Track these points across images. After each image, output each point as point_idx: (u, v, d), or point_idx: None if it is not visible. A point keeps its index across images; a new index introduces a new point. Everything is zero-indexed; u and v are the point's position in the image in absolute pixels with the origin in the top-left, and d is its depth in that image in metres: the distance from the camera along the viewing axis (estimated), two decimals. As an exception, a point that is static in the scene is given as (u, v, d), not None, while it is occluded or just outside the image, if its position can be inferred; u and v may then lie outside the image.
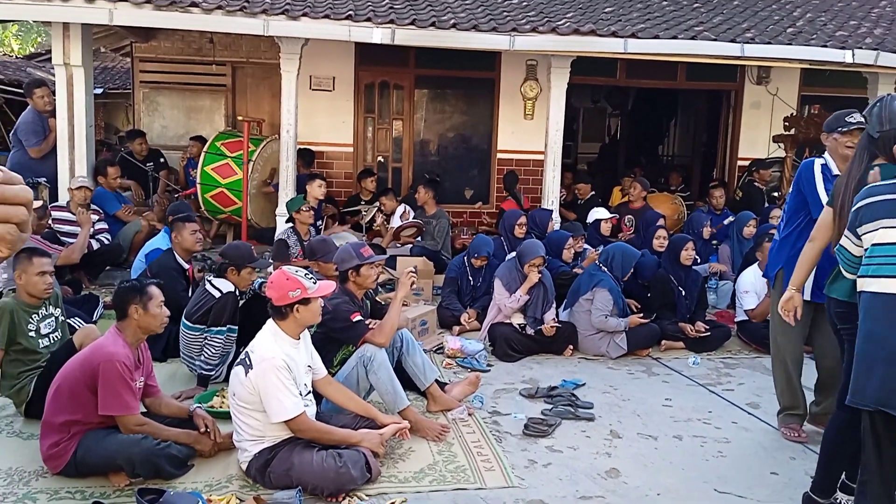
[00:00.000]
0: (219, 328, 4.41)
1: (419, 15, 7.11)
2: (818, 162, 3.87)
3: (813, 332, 4.03)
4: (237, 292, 4.51)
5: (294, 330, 3.36)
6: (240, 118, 8.06)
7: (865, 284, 2.60)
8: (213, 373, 4.44)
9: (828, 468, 3.19)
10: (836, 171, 3.75)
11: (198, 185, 7.96)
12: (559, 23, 7.20)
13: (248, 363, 3.25)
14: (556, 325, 5.34)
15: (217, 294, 4.41)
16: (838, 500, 3.19)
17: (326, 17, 6.80)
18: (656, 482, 3.49)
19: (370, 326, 3.97)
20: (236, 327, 4.51)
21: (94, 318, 5.30)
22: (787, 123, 9.29)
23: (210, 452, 3.48)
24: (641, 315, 5.44)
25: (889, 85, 7.84)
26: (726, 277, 7.03)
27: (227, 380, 4.39)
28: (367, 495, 3.21)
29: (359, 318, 3.95)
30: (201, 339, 4.42)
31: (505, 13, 7.60)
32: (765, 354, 5.55)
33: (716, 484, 3.49)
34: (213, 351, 4.40)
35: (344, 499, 3.15)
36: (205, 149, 8.10)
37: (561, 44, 7.02)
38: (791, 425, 4.06)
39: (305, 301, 3.31)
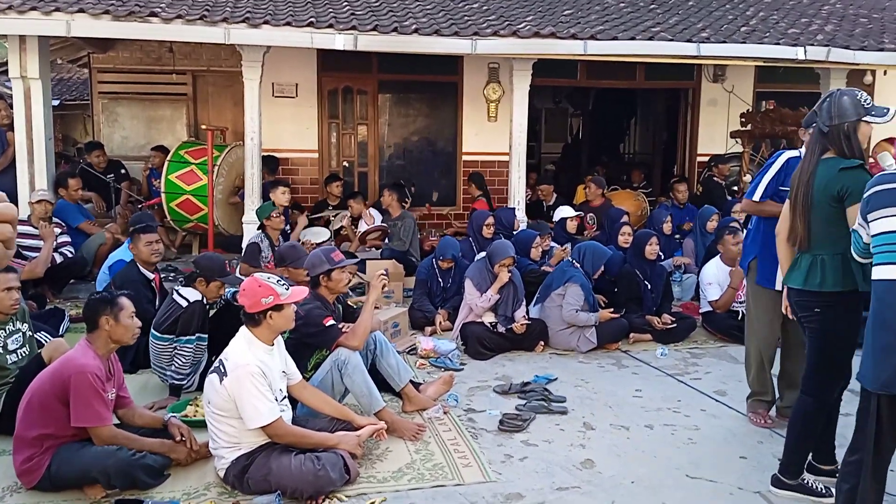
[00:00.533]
0: (188, 337, 4.38)
1: (381, 21, 7.15)
2: (786, 154, 3.93)
3: (784, 324, 4.08)
4: (205, 301, 4.48)
5: (268, 336, 3.37)
6: (203, 127, 8.03)
7: (876, 273, 2.60)
8: (184, 382, 4.41)
9: (795, 451, 3.30)
10: None
11: (162, 195, 7.89)
12: (519, 26, 7.30)
13: (223, 371, 3.25)
14: (527, 322, 5.41)
15: (184, 303, 4.38)
16: (805, 481, 3.30)
17: (288, 24, 6.80)
18: (630, 471, 3.57)
19: (343, 330, 3.99)
20: (206, 336, 4.49)
21: (60, 333, 5.22)
22: (743, 119, 9.53)
23: (186, 461, 3.47)
24: (612, 310, 5.54)
25: (841, 80, 8.10)
26: (690, 270, 7.18)
27: (199, 388, 4.39)
28: (346, 496, 3.23)
29: (331, 322, 3.97)
30: (171, 349, 4.39)
31: (466, 17, 7.67)
32: (729, 343, 5.72)
33: (688, 470, 3.59)
34: (184, 360, 4.37)
35: (323, 501, 3.16)
36: (168, 158, 8.04)
37: (522, 47, 7.12)
38: (759, 411, 4.16)
39: (279, 307, 3.32)
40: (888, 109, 3.14)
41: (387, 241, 7.56)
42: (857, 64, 7.80)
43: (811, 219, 3.15)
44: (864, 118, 3.10)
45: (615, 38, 7.22)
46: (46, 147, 7.11)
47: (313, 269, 4.14)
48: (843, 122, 3.10)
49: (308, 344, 3.99)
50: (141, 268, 5.08)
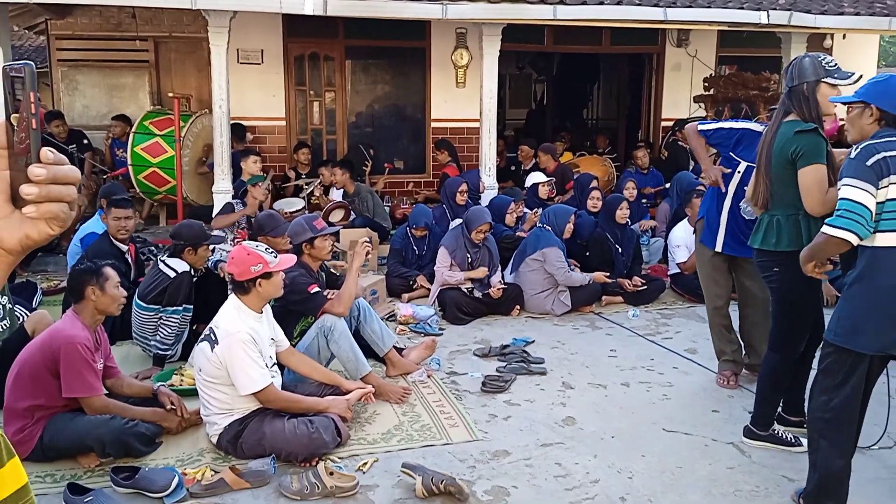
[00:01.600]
0: (174, 308, 4.39)
1: (350, -15, 7.06)
2: (746, 124, 4.10)
3: (737, 286, 4.28)
4: (192, 272, 4.49)
5: (257, 304, 3.41)
6: (170, 95, 7.87)
7: (878, 239, 2.58)
8: (169, 352, 4.43)
9: (764, 404, 3.47)
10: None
11: (129, 167, 7.76)
12: (489, -10, 7.27)
13: (214, 338, 3.28)
14: (503, 286, 5.52)
15: (172, 274, 4.38)
16: (776, 431, 3.48)
17: (256, -12, 6.69)
18: (609, 426, 3.72)
19: (328, 297, 4.04)
20: (192, 306, 4.50)
21: (33, 306, 5.18)
22: (706, 84, 9.68)
23: (177, 429, 3.52)
24: (607, 274, 5.73)
25: (801, 44, 8.27)
26: (658, 234, 7.36)
27: (182, 358, 4.43)
28: (339, 458, 3.32)
29: (316, 289, 4.02)
30: (156, 320, 4.40)
31: (435, -18, 7.61)
32: (697, 304, 5.87)
33: (664, 424, 3.75)
34: (169, 331, 4.39)
35: (317, 463, 3.24)
36: (133, 129, 7.90)
37: (492, 12, 7.12)
38: (724, 372, 4.28)
39: (267, 275, 3.36)
40: (852, 73, 3.24)
41: (352, 216, 7.56)
42: (818, 28, 7.97)
43: (771, 179, 3.27)
44: (823, 79, 3.19)
45: (584, 3, 7.26)
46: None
47: (296, 237, 4.17)
48: (803, 83, 3.21)
49: (293, 311, 4.04)
50: (113, 240, 5.02)
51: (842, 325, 2.67)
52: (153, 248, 6.46)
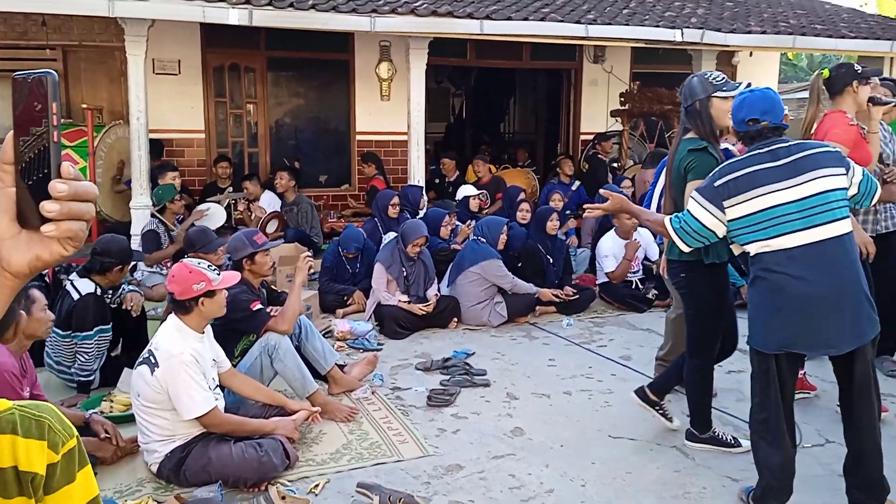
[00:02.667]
0: (85, 333, 4.15)
1: (274, -5, 6.95)
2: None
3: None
4: (99, 292, 4.25)
5: (198, 324, 3.28)
6: (83, 106, 7.49)
7: (768, 245, 2.70)
8: (91, 377, 4.20)
9: (698, 408, 3.59)
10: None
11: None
12: (417, 4, 7.31)
13: (154, 361, 3.13)
14: (436, 299, 5.52)
15: (76, 296, 4.15)
16: (715, 433, 3.60)
17: (176, -4, 6.48)
18: (557, 435, 3.76)
19: (271, 314, 3.92)
20: (108, 327, 4.27)
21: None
22: (622, 99, 10.01)
23: (113, 458, 3.33)
24: (554, 292, 5.84)
25: (711, 60, 8.69)
26: (584, 245, 7.55)
27: (103, 384, 4.20)
28: (288, 481, 3.22)
29: (259, 306, 3.90)
30: (73, 346, 4.15)
31: (361, -6, 7.59)
32: (626, 312, 6.08)
33: (609, 431, 3.82)
34: (87, 357, 4.14)
35: (267, 488, 3.13)
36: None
37: (421, 25, 7.14)
38: None
39: (210, 293, 3.23)
40: (739, 84, 3.39)
41: (287, 224, 7.41)
42: (728, 46, 8.39)
43: (673, 193, 3.44)
44: (713, 95, 3.36)
45: (510, 19, 7.39)
46: None
47: (236, 252, 4.04)
48: (695, 101, 3.38)
49: (235, 330, 3.90)
50: None
51: (750, 329, 2.81)
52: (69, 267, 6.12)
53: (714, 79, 3.38)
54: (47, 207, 0.80)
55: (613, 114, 10.39)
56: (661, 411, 3.78)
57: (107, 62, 8.81)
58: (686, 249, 2.91)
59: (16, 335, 3.17)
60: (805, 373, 4.12)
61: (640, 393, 3.79)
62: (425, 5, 7.27)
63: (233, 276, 3.36)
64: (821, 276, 2.63)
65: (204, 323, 3.30)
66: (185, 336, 3.21)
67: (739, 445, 3.56)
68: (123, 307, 4.57)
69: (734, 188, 2.72)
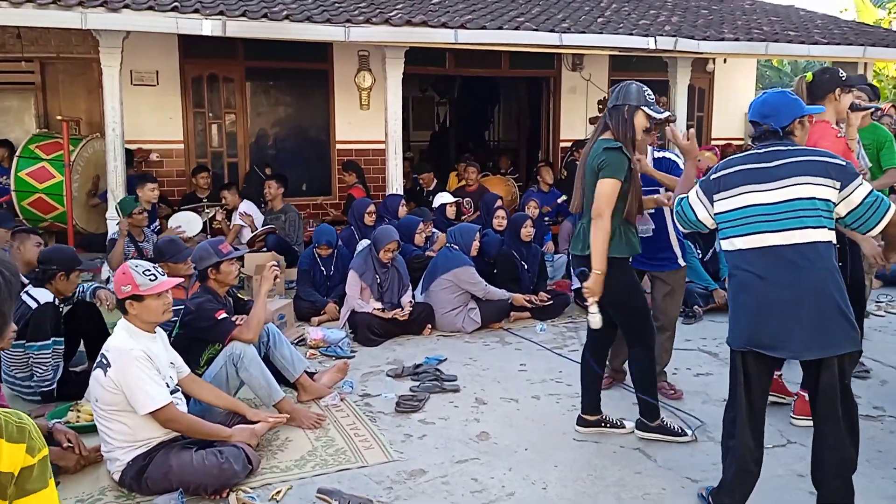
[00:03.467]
0: (41, 343, 4.14)
1: (249, 6, 6.99)
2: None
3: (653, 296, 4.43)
4: (57, 302, 4.26)
5: (143, 324, 3.25)
6: (59, 118, 7.49)
7: (741, 243, 2.77)
8: (53, 387, 4.20)
9: (644, 396, 3.68)
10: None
11: (13, 193, 7.33)
12: (391, 14, 7.37)
13: (106, 362, 3.13)
14: (410, 306, 5.55)
15: (33, 304, 4.14)
16: (664, 422, 3.72)
17: (150, 8, 6.51)
18: (523, 439, 3.79)
19: (237, 323, 3.94)
20: (62, 339, 4.28)
21: None
22: (600, 106, 10.11)
23: (75, 467, 3.33)
24: (527, 298, 5.88)
25: (686, 67, 8.78)
26: (560, 251, 7.60)
27: (60, 398, 4.21)
28: (251, 488, 3.23)
29: (224, 315, 3.91)
30: (26, 358, 4.15)
31: (336, 4, 7.65)
32: (601, 317, 6.11)
33: (574, 434, 3.85)
34: (45, 368, 4.15)
35: (228, 494, 3.14)
36: (17, 153, 7.48)
37: (395, 35, 7.20)
38: (661, 383, 4.35)
39: (138, 297, 3.20)
40: (664, 111, 3.59)
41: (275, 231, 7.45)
42: (701, 53, 8.49)
43: (583, 188, 3.55)
44: (641, 107, 3.48)
45: (484, 28, 7.46)
46: None
47: (201, 261, 4.05)
48: (626, 105, 3.48)
49: (200, 339, 3.91)
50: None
51: (729, 325, 2.86)
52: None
53: (648, 95, 3.52)
54: None
55: (592, 121, 10.47)
56: (608, 425, 3.82)
57: (85, 73, 8.83)
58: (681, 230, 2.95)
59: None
60: (781, 375, 4.14)
61: (580, 423, 3.85)
62: (399, 15, 7.32)
63: (168, 283, 3.30)
64: (781, 278, 2.66)
65: (147, 325, 3.27)
66: (135, 335, 3.20)
67: (685, 435, 3.70)
68: (98, 305, 4.59)
69: (723, 183, 2.82)
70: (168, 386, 3.22)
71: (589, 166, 3.48)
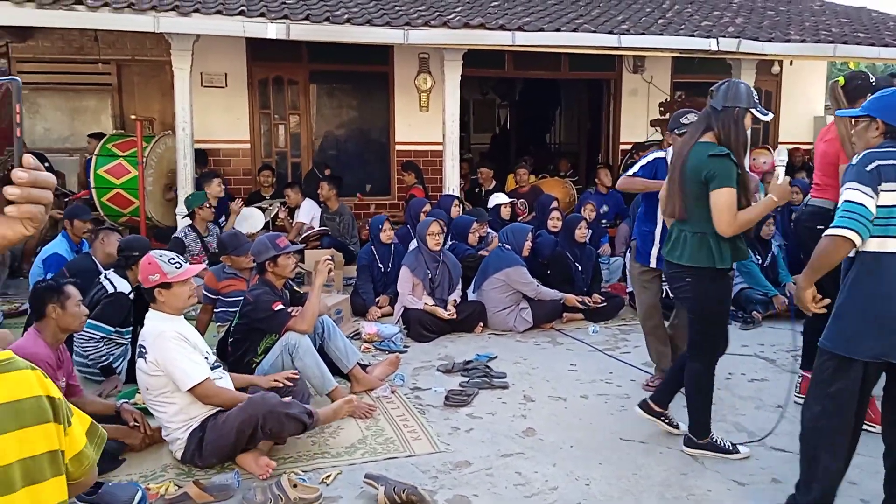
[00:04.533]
0: (115, 327, 4.40)
1: (312, 10, 7.20)
2: (654, 154, 4.48)
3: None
4: (130, 293, 4.49)
5: (170, 311, 3.40)
6: (132, 117, 7.87)
7: (872, 245, 2.59)
8: (113, 362, 4.43)
9: (696, 413, 3.59)
10: None
11: (92, 189, 7.73)
12: (449, 17, 7.47)
13: (144, 350, 3.31)
14: (454, 304, 5.66)
15: (110, 289, 4.38)
16: (713, 439, 3.60)
17: (218, 12, 6.78)
18: (569, 437, 3.82)
19: (292, 314, 4.09)
20: (129, 329, 4.49)
21: (-7, 328, 5.14)
22: (662, 108, 9.99)
23: (140, 446, 3.52)
24: (580, 299, 5.88)
25: (751, 70, 8.60)
26: (617, 253, 7.56)
27: (130, 380, 4.41)
28: (302, 471, 3.36)
29: (280, 307, 4.07)
30: (96, 337, 4.40)
31: (396, 7, 7.79)
32: (655, 320, 6.07)
33: (621, 434, 3.86)
34: (103, 351, 4.41)
35: (281, 475, 3.27)
36: (95, 152, 7.88)
37: (453, 37, 7.29)
38: (655, 378, 4.48)
39: (166, 285, 3.35)
40: (769, 112, 3.47)
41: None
42: (766, 55, 8.31)
43: (684, 193, 3.41)
44: (751, 109, 3.36)
45: (541, 30, 7.49)
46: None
47: (259, 255, 4.22)
48: (735, 107, 3.34)
49: (258, 329, 4.08)
50: (97, 261, 5.08)
51: (838, 332, 2.66)
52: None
53: (755, 96, 3.41)
54: (9, 191, 0.94)
55: (653, 123, 10.36)
56: (666, 420, 3.81)
57: (158, 76, 9.23)
58: (860, 243, 2.57)
59: None
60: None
61: (643, 406, 3.82)
62: (458, 17, 7.42)
63: (192, 269, 3.46)
64: None
65: (175, 311, 3.41)
66: (166, 319, 3.37)
67: (738, 452, 3.58)
68: None
69: (886, 174, 2.57)
70: (209, 361, 3.38)
71: (691, 173, 3.32)
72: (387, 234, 6.28)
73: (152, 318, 3.41)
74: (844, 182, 2.66)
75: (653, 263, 4.35)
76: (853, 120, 2.96)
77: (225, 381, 3.45)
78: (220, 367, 3.50)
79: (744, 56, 8.29)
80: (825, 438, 2.72)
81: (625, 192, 5.13)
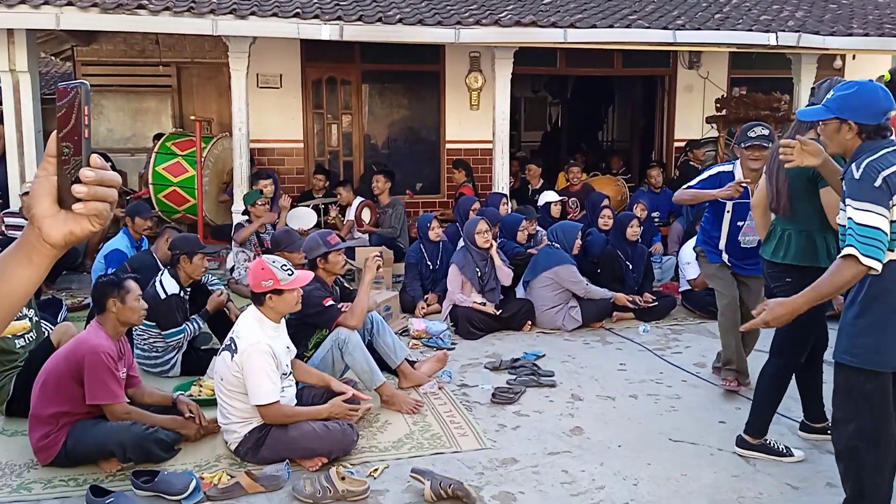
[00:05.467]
0: (176, 329, 4.53)
1: (365, 11, 7.29)
2: (717, 168, 4.39)
3: (742, 298, 4.41)
4: (180, 291, 4.61)
5: (273, 315, 3.53)
6: (192, 118, 8.11)
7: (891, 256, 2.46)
8: (167, 355, 4.59)
9: (760, 411, 3.52)
10: (738, 178, 4.15)
11: (150, 186, 7.98)
12: (501, 15, 7.47)
13: (234, 348, 3.40)
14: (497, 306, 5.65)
15: (162, 294, 4.50)
16: (767, 441, 3.53)
17: (274, 15, 6.92)
18: (617, 436, 3.79)
19: (342, 310, 4.15)
20: (177, 329, 4.59)
21: (58, 321, 5.33)
22: (718, 105, 9.76)
23: (195, 436, 3.63)
24: (630, 298, 5.83)
25: (812, 65, 8.36)
26: (670, 252, 7.44)
27: (184, 373, 4.59)
28: (351, 464, 3.42)
29: (331, 302, 4.14)
30: (151, 339, 4.56)
31: (448, 7, 7.82)
32: (708, 320, 5.94)
33: (670, 434, 3.81)
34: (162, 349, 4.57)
35: (329, 467, 3.33)
36: (155, 150, 8.13)
37: (504, 35, 7.29)
38: (728, 377, 4.40)
39: (278, 292, 3.47)
40: None
41: (378, 226, 7.72)
42: (827, 49, 8.06)
43: (789, 194, 3.35)
44: None
45: (594, 27, 7.41)
46: (36, 140, 7.18)
47: (311, 252, 4.31)
48: None
49: (309, 324, 4.16)
50: (157, 258, 5.28)
51: (860, 346, 2.55)
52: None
53: None
54: (77, 189, 0.99)
55: (709, 120, 10.13)
56: (771, 449, 3.53)
57: (216, 77, 9.47)
58: (878, 268, 2.40)
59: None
60: None
61: (739, 443, 3.59)
62: (509, 16, 7.41)
63: (304, 277, 3.59)
64: None
65: (278, 316, 3.55)
66: (263, 326, 3.48)
67: (791, 455, 3.50)
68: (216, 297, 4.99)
69: (892, 186, 2.43)
70: (285, 374, 3.48)
71: (797, 172, 3.18)
72: (435, 233, 6.31)
73: (251, 318, 3.50)
74: (850, 197, 2.47)
75: (724, 258, 4.36)
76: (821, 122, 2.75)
77: (291, 390, 3.56)
78: (290, 374, 3.59)
79: (804, 50, 8.06)
80: (865, 457, 2.61)
81: (680, 203, 4.99)
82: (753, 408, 3.55)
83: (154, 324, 4.49)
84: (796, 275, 3.32)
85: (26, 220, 6.42)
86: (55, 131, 1.01)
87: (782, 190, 3.39)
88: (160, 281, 4.56)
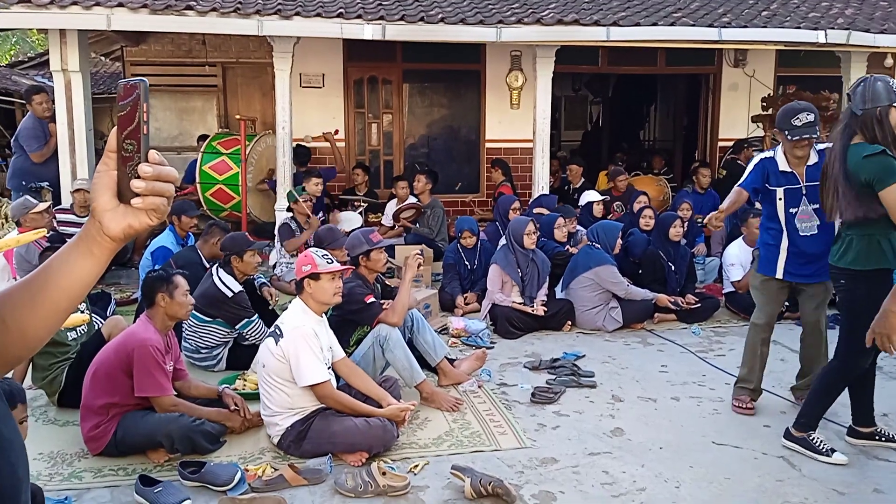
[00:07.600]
0: (248, 320, 4.66)
1: (407, 10, 7.33)
2: (759, 156, 4.11)
3: (800, 310, 4.22)
4: (241, 290, 4.70)
5: (314, 306, 3.59)
6: (237, 117, 8.25)
7: None
8: (215, 350, 4.69)
9: (811, 406, 3.51)
10: (783, 167, 3.86)
11: (197, 185, 8.14)
12: (543, 13, 7.44)
13: (279, 333, 3.48)
14: (543, 301, 5.62)
15: (228, 293, 4.59)
16: (810, 437, 3.50)
17: (318, 15, 7.00)
18: (658, 438, 3.75)
19: (383, 307, 4.19)
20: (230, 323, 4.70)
21: (108, 315, 5.48)
22: (764, 104, 9.60)
23: (240, 429, 3.71)
24: (672, 299, 5.78)
25: (861, 63, 8.15)
26: (714, 254, 7.33)
27: (228, 367, 4.68)
28: (391, 460, 3.45)
29: (372, 299, 4.19)
30: (202, 331, 4.66)
31: (490, 5, 7.82)
32: (752, 323, 5.85)
33: (713, 437, 3.76)
34: (214, 342, 4.66)
35: (371, 462, 3.37)
36: (202, 149, 8.29)
37: (546, 34, 7.26)
38: (740, 397, 4.13)
39: (315, 276, 3.54)
40: None
41: (417, 223, 7.76)
42: (878, 47, 7.86)
43: (847, 195, 3.28)
44: (893, 104, 3.20)
45: (637, 24, 7.34)
46: (87, 138, 7.38)
47: (353, 249, 4.36)
48: (876, 107, 3.21)
49: (350, 320, 4.21)
50: (202, 255, 5.40)
51: None
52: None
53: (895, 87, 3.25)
54: (136, 184, 1.02)
55: (755, 119, 9.97)
56: (811, 445, 3.50)
57: (260, 77, 9.62)
58: None
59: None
60: None
61: (785, 434, 3.59)
62: (551, 14, 7.38)
63: (340, 266, 3.66)
64: None
65: (318, 307, 3.60)
66: (307, 315, 3.57)
67: (829, 455, 3.46)
68: (265, 297, 5.12)
69: None
70: (327, 365, 3.52)
71: (853, 176, 3.21)
72: (467, 241, 6.30)
73: (296, 307, 3.62)
74: None
75: (779, 275, 3.99)
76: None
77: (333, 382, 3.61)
78: (331, 370, 3.64)
79: (854, 48, 7.87)
80: None
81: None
82: (807, 400, 3.54)
83: (211, 319, 4.59)
84: (859, 278, 3.29)
85: (77, 216, 6.65)
86: (115, 128, 1.04)
87: (846, 194, 3.30)
88: (220, 280, 4.65)
